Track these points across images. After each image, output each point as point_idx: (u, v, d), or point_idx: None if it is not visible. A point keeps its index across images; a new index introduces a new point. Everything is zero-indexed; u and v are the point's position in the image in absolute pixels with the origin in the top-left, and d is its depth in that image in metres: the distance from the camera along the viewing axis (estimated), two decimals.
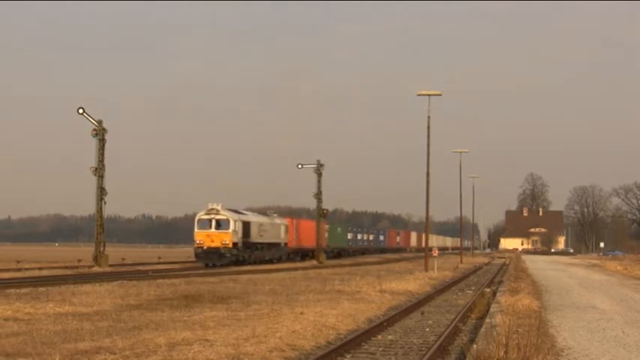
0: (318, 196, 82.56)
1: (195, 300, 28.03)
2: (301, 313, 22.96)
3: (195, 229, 62.36)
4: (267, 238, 69.86)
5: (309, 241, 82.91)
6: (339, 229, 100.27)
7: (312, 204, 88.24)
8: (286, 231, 76.00)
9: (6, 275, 44.06)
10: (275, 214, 77.18)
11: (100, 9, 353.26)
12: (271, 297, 29.58)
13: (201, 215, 62.50)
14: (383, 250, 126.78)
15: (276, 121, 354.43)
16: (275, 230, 72.89)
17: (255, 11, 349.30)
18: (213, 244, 60.90)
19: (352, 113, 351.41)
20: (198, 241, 61.60)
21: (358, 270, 57.44)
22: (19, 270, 51.65)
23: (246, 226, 64.64)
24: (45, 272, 49.89)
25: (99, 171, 56.82)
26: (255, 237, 66.34)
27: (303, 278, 44.28)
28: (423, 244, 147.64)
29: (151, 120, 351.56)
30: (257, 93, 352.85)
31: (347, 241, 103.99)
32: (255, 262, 65.72)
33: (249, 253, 65.44)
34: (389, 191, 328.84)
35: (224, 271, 50.86)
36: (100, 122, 56.91)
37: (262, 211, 77.64)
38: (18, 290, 31.73)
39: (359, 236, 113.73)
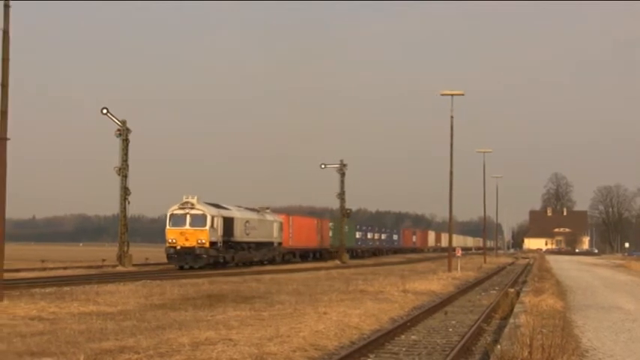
0: (341, 196, 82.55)
1: (219, 299, 28.08)
2: (324, 313, 22.95)
3: (167, 226, 54.68)
4: (255, 237, 62.53)
5: (308, 241, 77.53)
6: (346, 227, 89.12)
7: (335, 204, 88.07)
8: (280, 229, 68.66)
9: (31, 275, 44.29)
10: (268, 210, 69.14)
11: (122, 8, 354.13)
12: (294, 297, 29.58)
13: (174, 210, 54.74)
14: (397, 251, 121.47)
15: (298, 120, 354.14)
16: (266, 228, 65.48)
17: (275, 11, 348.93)
18: (187, 244, 53.47)
19: (375, 113, 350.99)
20: (170, 240, 53.83)
21: (381, 270, 57.39)
22: (43, 269, 51.93)
23: (229, 222, 57.28)
24: (69, 272, 50.15)
25: (123, 171, 57.02)
26: (239, 235, 59.26)
27: (326, 278, 44.28)
28: (442, 244, 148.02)
29: (175, 119, 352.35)
30: (280, 92, 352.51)
31: (355, 240, 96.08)
32: (240, 264, 59.82)
33: (232, 253, 58.41)
34: (412, 191, 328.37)
35: (247, 271, 50.86)
36: (123, 122, 57.12)
37: (265, 208, 69.44)
38: (43, 290, 31.91)
39: (369, 235, 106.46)
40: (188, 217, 53.91)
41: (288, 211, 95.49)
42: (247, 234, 60.84)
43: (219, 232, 55.42)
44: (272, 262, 65.53)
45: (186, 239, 53.42)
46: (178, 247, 53.47)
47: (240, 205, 63.58)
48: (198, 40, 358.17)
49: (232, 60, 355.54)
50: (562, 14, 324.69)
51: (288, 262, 69.67)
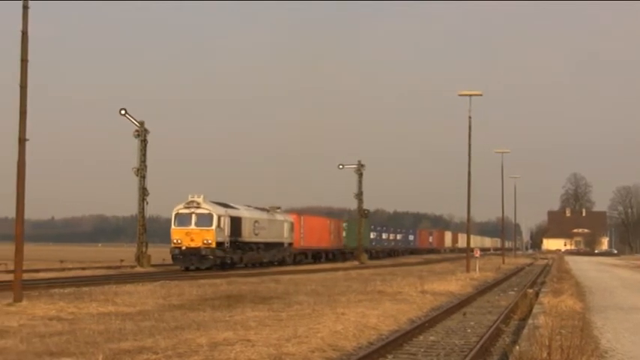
0: (359, 196, 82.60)
1: (237, 300, 28.10)
2: (343, 314, 22.94)
3: (172, 226, 53.00)
4: (264, 237, 60.58)
5: (320, 241, 75.58)
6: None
7: (352, 204, 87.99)
8: (291, 229, 66.71)
9: (50, 275, 44.50)
10: (278, 210, 67.13)
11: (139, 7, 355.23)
12: (313, 297, 29.58)
13: (180, 209, 53.07)
14: (413, 251, 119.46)
15: (315, 121, 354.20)
16: (276, 228, 63.52)
17: (291, 10, 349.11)
18: (193, 244, 51.74)
19: (393, 113, 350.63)
20: (175, 241, 52.20)
21: (399, 270, 57.33)
22: (62, 270, 52.17)
23: (236, 222, 55.41)
24: (88, 272, 50.35)
25: (141, 171, 57.20)
26: (248, 235, 57.37)
27: (345, 279, 44.28)
28: (459, 245, 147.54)
29: (193, 120, 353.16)
30: (296, 93, 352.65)
31: (369, 241, 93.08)
32: (248, 266, 58.59)
33: (240, 254, 56.69)
34: (431, 192, 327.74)
35: (265, 272, 50.84)
36: (141, 123, 57.30)
37: (277, 207, 67.44)
38: (62, 290, 32.04)
39: (384, 235, 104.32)
40: (194, 216, 52.33)
41: (307, 212, 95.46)
42: (256, 234, 59.12)
43: (226, 232, 53.74)
44: (282, 263, 63.91)
45: (192, 239, 51.81)
46: (184, 248, 51.89)
47: (250, 204, 62.57)
48: (214, 41, 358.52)
49: (250, 61, 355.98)
50: (582, 13, 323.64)
51: (299, 263, 68.27)
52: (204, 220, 52.13)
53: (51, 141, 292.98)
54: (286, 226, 65.59)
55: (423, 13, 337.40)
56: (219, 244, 52.67)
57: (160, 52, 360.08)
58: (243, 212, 57.73)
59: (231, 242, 54.46)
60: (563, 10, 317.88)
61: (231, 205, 57.33)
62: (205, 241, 51.61)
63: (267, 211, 64.10)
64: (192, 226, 52.02)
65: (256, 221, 59.28)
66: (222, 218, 53.07)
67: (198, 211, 52.26)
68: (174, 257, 52.68)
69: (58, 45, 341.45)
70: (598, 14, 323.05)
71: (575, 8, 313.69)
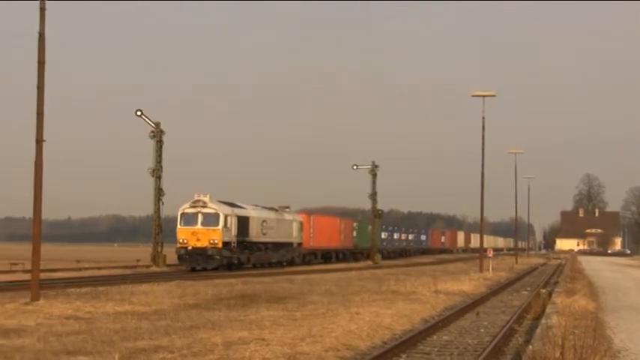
0: (373, 196, 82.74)
1: (252, 300, 28.14)
2: (357, 313, 22.94)
3: (178, 225, 51.57)
4: (273, 237, 59.15)
5: (330, 241, 74.16)
6: (369, 227, 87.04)
7: (367, 205, 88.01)
8: (300, 229, 65.15)
9: (67, 275, 44.68)
10: (287, 209, 65.30)
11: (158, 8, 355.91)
12: (327, 297, 29.59)
13: (186, 208, 51.70)
14: (425, 251, 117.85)
15: (329, 121, 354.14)
16: (284, 228, 62.06)
17: (308, 12, 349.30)
18: (199, 244, 50.43)
19: (407, 114, 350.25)
20: (181, 240, 50.88)
21: (413, 270, 57.28)
22: (79, 270, 52.35)
23: (243, 221, 53.98)
24: (104, 272, 50.51)
25: (156, 172, 57.35)
26: (255, 235, 55.95)
27: (359, 278, 44.27)
28: (471, 245, 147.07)
29: (208, 121, 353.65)
30: (311, 93, 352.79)
31: (381, 240, 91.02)
32: (257, 266, 57.50)
33: (248, 254, 55.29)
34: (444, 192, 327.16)
35: (280, 272, 50.82)
36: (157, 124, 57.46)
37: (283, 207, 65.24)
38: (78, 289, 32.13)
39: (395, 235, 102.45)
40: (200, 216, 50.99)
41: (322, 212, 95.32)
42: (264, 234, 57.74)
43: (233, 231, 52.40)
44: (291, 263, 62.69)
45: (198, 239, 50.50)
46: (190, 248, 50.59)
47: (258, 204, 61.51)
48: (228, 41, 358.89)
49: (265, 61, 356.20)
50: (591, 14, 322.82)
51: (308, 263, 67.30)
52: (211, 219, 50.93)
53: (67, 142, 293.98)
54: (295, 225, 64.29)
55: (438, 12, 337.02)
56: (226, 244, 51.49)
57: (168, 53, 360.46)
58: (250, 212, 56.49)
59: (238, 242, 53.26)
60: (575, 10, 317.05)
61: (239, 204, 56.19)
62: (212, 241, 50.45)
63: (276, 210, 62.77)
64: (199, 226, 50.83)
65: (264, 221, 57.97)
66: (228, 218, 51.87)
67: (205, 210, 51.10)
68: (180, 257, 51.60)
69: (71, 46, 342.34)
70: (609, 14, 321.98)
71: (587, 8, 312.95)
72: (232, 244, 52.28)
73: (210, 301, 27.56)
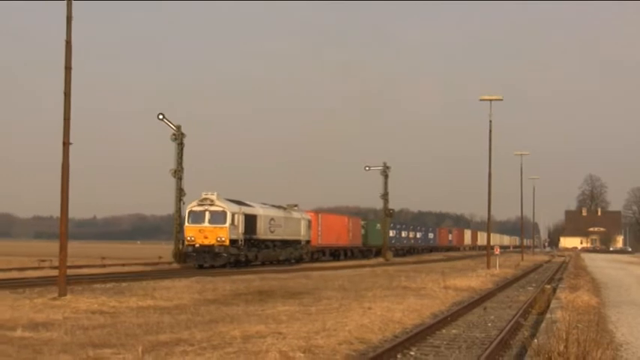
0: (385, 196, 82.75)
1: (269, 295, 28.16)
2: (369, 308, 22.93)
3: (186, 223, 50.44)
4: (280, 235, 57.74)
5: (338, 239, 73.01)
6: (377, 225, 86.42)
7: (379, 204, 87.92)
8: (308, 227, 63.68)
9: (92, 271, 44.79)
10: (295, 207, 63.42)
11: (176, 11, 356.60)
12: (340, 292, 29.60)
13: (193, 206, 50.51)
14: (432, 249, 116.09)
15: (343, 125, 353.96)
16: (292, 226, 60.59)
17: (324, 18, 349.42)
18: (206, 241, 49.10)
19: (419, 116, 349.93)
20: (188, 238, 49.59)
21: (423, 267, 57.24)
22: (103, 266, 52.51)
23: (251, 220, 52.49)
24: (127, 268, 50.64)
25: (178, 173, 57.38)
26: (263, 233, 54.48)
27: (371, 275, 44.27)
28: (478, 243, 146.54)
29: (228, 123, 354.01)
30: (328, 98, 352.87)
31: (389, 238, 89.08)
32: (265, 263, 55.97)
33: (256, 252, 53.61)
34: (453, 192, 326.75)
35: (295, 268, 50.81)
36: (178, 127, 57.50)
37: (293, 205, 63.38)
38: (103, 285, 32.23)
39: (403, 234, 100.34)
40: (207, 213, 49.53)
41: (336, 211, 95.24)
42: (272, 232, 56.30)
43: (241, 229, 50.87)
44: (299, 260, 61.63)
45: (205, 237, 49.10)
46: (197, 245, 49.21)
47: (266, 202, 60.15)
48: (246, 45, 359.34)
49: (286, 65, 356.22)
50: (592, 19, 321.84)
51: (317, 260, 66.38)
52: (218, 217, 49.54)
53: (93, 145, 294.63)
54: (303, 223, 62.83)
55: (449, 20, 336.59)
56: (233, 242, 50.01)
57: (185, 55, 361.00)
58: (258, 210, 54.98)
59: (245, 240, 51.74)
60: (576, 14, 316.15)
61: (246, 202, 54.52)
62: (219, 239, 49.04)
63: (284, 209, 61.29)
64: (206, 224, 49.43)
65: (272, 219, 56.60)
66: (236, 216, 50.41)
67: (212, 208, 49.72)
68: (187, 255, 50.36)
69: (97, 52, 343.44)
70: (611, 17, 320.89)
71: (586, 9, 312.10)
72: (239, 242, 50.94)
73: (228, 296, 27.59)
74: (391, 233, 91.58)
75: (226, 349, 14.89)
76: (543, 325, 19.55)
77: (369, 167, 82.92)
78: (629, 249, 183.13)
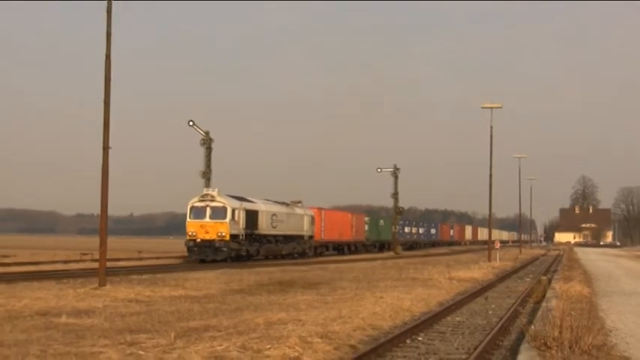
0: (395, 196, 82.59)
1: (289, 285, 28.16)
2: (381, 297, 22.92)
3: (188, 219, 48.08)
4: (283, 230, 55.43)
5: (342, 234, 71.00)
6: (381, 221, 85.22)
7: (389, 203, 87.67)
8: (311, 222, 61.49)
9: (129, 264, 44.90)
10: (299, 204, 60.87)
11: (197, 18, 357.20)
12: (355, 283, 29.58)
13: (195, 202, 48.15)
14: (435, 244, 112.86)
15: (357, 127, 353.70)
16: (295, 221, 58.21)
17: (340, 31, 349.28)
18: (207, 236, 46.80)
19: (426, 120, 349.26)
20: (190, 233, 47.33)
21: (430, 260, 57.16)
22: (139, 259, 52.67)
23: (252, 215, 50.23)
24: (161, 261, 50.81)
25: (206, 174, 57.45)
26: (265, 228, 52.24)
27: (382, 267, 44.23)
28: (478, 238, 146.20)
29: (252, 127, 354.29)
30: (344, 106, 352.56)
31: (391, 234, 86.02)
32: (268, 258, 54.19)
33: (257, 246, 51.47)
34: (457, 192, 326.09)
35: (314, 261, 50.76)
36: (207, 133, 57.54)
37: (296, 201, 60.87)
38: (139, 276, 32.30)
39: (406, 229, 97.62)
40: (208, 209, 47.28)
41: (349, 209, 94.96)
42: (274, 227, 53.87)
43: (241, 224, 48.48)
44: (302, 255, 59.32)
45: (206, 232, 46.85)
46: (198, 240, 46.91)
47: (268, 198, 57.88)
48: (261, 53, 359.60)
49: (292, 72, 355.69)
50: (591, 24, 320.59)
51: (320, 254, 64.38)
52: (219, 212, 47.23)
53: (131, 149, 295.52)
54: (306, 219, 60.43)
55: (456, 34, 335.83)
56: (234, 237, 47.64)
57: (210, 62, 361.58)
58: (259, 206, 52.49)
59: (247, 235, 49.43)
60: (575, 23, 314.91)
61: (248, 198, 52.05)
62: (219, 234, 46.71)
63: (287, 205, 58.67)
64: (207, 219, 47.14)
65: (274, 214, 54.15)
66: (236, 211, 48.00)
67: (213, 204, 47.45)
68: (189, 249, 47.79)
69: (132, 64, 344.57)
70: (597, 26, 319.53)
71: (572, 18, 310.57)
72: (240, 237, 48.59)
73: (252, 286, 27.61)
74: (394, 229, 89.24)
75: (250, 335, 14.90)
76: (540, 312, 19.49)
77: (381, 169, 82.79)
78: (618, 243, 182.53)
